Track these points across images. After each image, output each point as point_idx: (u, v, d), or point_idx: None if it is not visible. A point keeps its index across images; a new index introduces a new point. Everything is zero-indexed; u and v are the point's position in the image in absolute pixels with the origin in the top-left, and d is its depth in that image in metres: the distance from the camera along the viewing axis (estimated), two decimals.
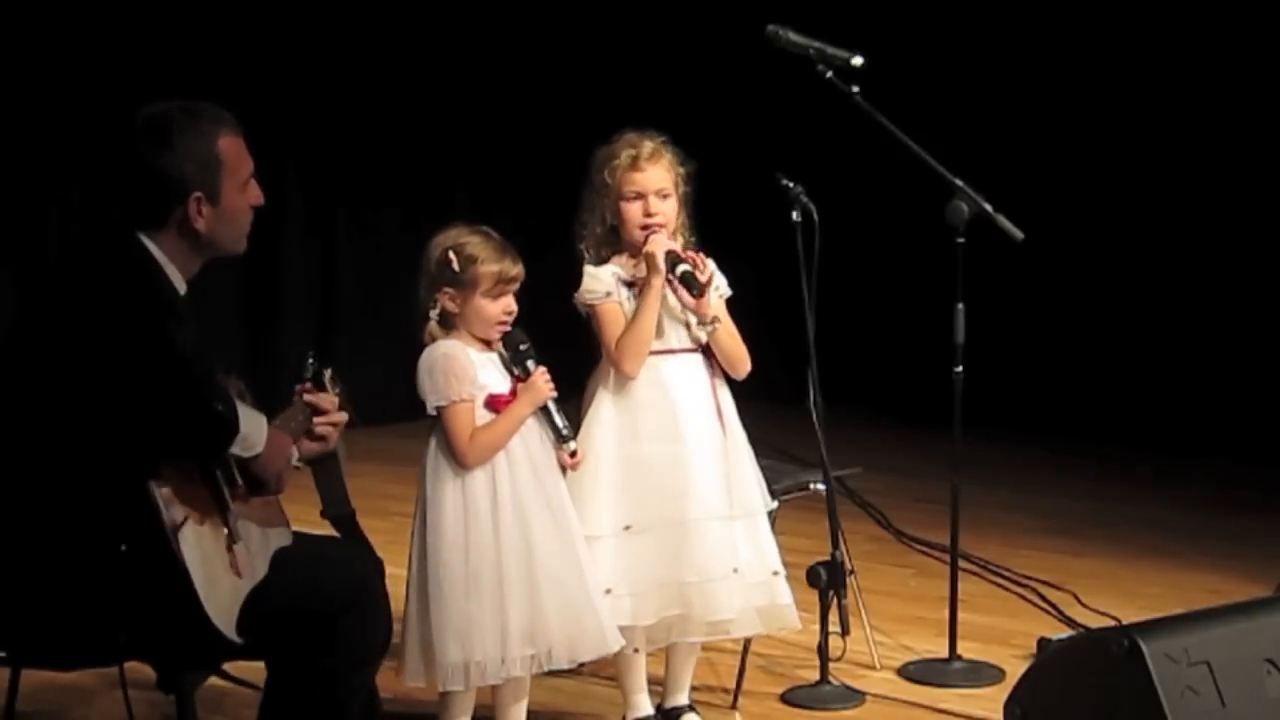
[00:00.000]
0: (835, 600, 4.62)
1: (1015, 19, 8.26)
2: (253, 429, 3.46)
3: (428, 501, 4.15)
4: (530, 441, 4.19)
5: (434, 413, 4.14)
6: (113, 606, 3.34)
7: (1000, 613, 5.62)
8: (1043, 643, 4.94)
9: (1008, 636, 5.32)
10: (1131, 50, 8.07)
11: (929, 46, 8.35)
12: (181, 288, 3.55)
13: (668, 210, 4.38)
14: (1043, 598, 5.72)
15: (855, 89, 4.78)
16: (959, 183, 4.83)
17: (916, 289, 7.10)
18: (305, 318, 8.13)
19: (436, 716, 4.26)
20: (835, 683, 4.81)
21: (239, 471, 3.51)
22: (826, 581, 4.61)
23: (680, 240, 4.41)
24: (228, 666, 3.84)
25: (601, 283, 4.36)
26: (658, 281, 4.31)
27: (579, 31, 8.64)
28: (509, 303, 4.18)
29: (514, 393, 4.18)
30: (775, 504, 4.59)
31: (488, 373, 4.18)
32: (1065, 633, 5.22)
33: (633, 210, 4.36)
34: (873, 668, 5.05)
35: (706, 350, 4.42)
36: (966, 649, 5.08)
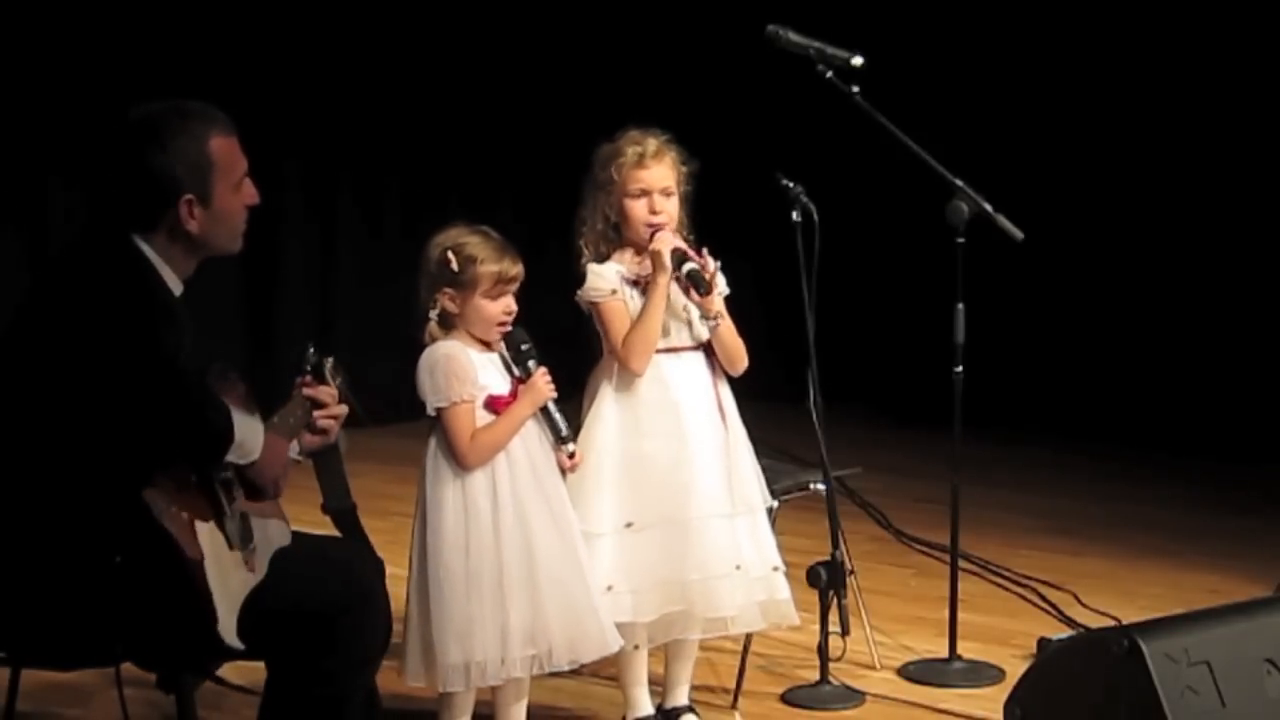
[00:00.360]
0: (835, 600, 4.62)
1: (1015, 19, 8.25)
2: (248, 435, 3.46)
3: (428, 502, 4.15)
4: (530, 442, 4.19)
5: (434, 413, 4.14)
6: (108, 616, 3.34)
7: (1000, 613, 5.62)
8: (1043, 643, 4.94)
9: (1008, 636, 5.32)
10: (1131, 50, 8.07)
11: (929, 46, 8.35)
12: (177, 289, 3.53)
13: (671, 209, 4.38)
14: (1043, 598, 5.72)
15: (855, 89, 4.78)
16: (959, 183, 4.83)
17: (916, 289, 7.09)
18: (305, 317, 8.12)
19: (436, 716, 4.26)
20: (835, 683, 4.81)
21: (237, 478, 3.51)
22: (826, 581, 4.61)
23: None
24: (226, 668, 3.84)
25: (606, 280, 4.36)
26: (664, 279, 4.31)
27: (579, 31, 8.63)
28: (509, 303, 4.18)
29: (514, 393, 4.18)
30: (776, 504, 4.60)
31: (488, 373, 4.18)
32: (1065, 633, 5.22)
33: (637, 208, 4.36)
34: (873, 668, 5.05)
35: (707, 348, 4.42)
36: (966, 649, 5.08)
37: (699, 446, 4.35)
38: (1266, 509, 6.93)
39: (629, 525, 4.30)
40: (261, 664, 3.57)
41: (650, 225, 4.35)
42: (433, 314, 4.17)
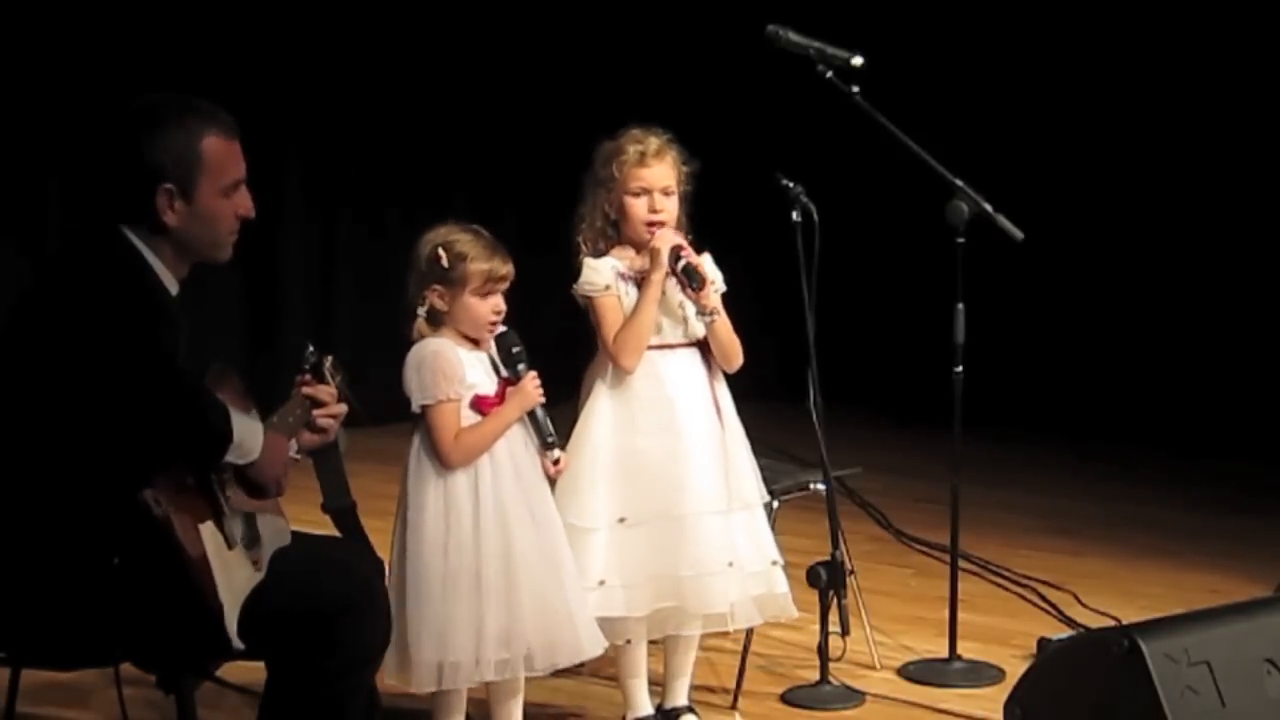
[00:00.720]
0: (835, 600, 4.62)
1: (1015, 19, 8.25)
2: (247, 435, 3.45)
3: (409, 501, 4.14)
4: (515, 446, 4.17)
5: (418, 410, 4.13)
6: (108, 617, 3.34)
7: (1000, 613, 5.62)
8: (1043, 643, 4.94)
9: (1008, 636, 5.32)
10: (1131, 50, 8.07)
11: (929, 46, 8.35)
12: (173, 289, 3.52)
13: (671, 208, 4.38)
14: (1043, 598, 5.72)
15: (855, 89, 4.78)
16: (959, 183, 4.83)
17: (916, 289, 7.09)
18: (305, 316, 8.12)
19: (430, 715, 4.25)
20: (835, 683, 4.81)
21: (237, 478, 3.50)
22: (826, 581, 4.61)
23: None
24: (226, 669, 3.83)
25: (601, 275, 4.36)
26: (658, 277, 4.31)
27: (579, 31, 8.63)
28: (498, 302, 4.16)
29: (501, 395, 4.17)
30: (776, 503, 4.60)
31: (476, 373, 4.16)
32: (1065, 633, 5.22)
33: (637, 206, 4.36)
34: (873, 668, 5.05)
35: (703, 345, 4.42)
36: (966, 649, 5.08)
37: (694, 442, 4.35)
38: (1266, 509, 6.92)
39: (622, 520, 4.30)
40: (261, 664, 3.57)
41: (650, 224, 4.35)
42: (421, 311, 4.16)
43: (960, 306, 4.92)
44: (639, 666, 4.46)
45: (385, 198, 8.27)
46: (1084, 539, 6.53)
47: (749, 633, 4.76)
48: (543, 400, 4.20)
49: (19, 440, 3.37)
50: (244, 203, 3.56)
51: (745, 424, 4.47)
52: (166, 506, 3.29)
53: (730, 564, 4.34)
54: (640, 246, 4.37)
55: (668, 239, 4.33)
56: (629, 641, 4.38)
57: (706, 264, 4.41)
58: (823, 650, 4.76)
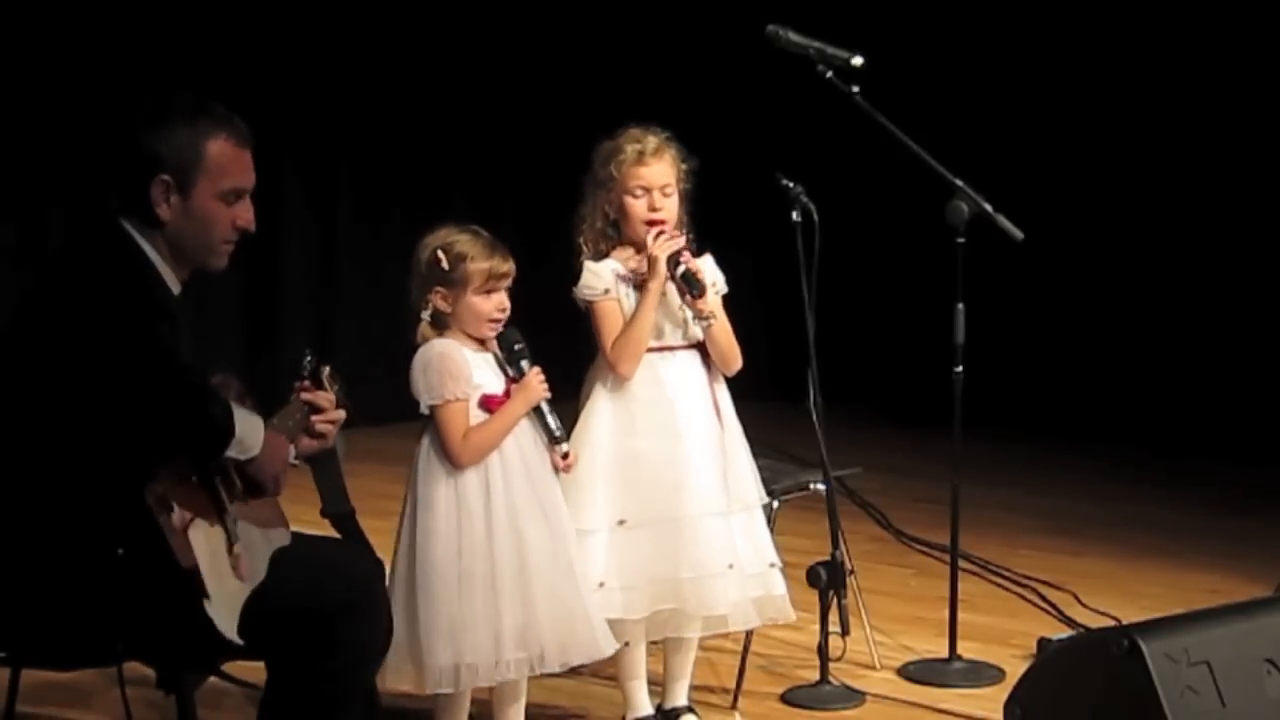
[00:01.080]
0: (835, 600, 4.62)
1: (1015, 19, 8.26)
2: (248, 431, 3.45)
3: (419, 501, 4.13)
4: (524, 442, 4.18)
5: (427, 411, 4.13)
6: (110, 611, 3.33)
7: (1000, 613, 5.62)
8: (1043, 643, 4.94)
9: (1008, 636, 5.32)
10: (1131, 50, 8.07)
11: (929, 46, 8.35)
12: (175, 288, 3.52)
13: (670, 207, 4.38)
14: (1043, 598, 5.72)
15: (855, 89, 4.77)
16: (959, 183, 4.83)
17: (916, 289, 7.10)
18: (305, 317, 8.13)
19: (432, 716, 4.25)
20: (835, 683, 4.81)
21: (237, 474, 3.50)
22: (826, 581, 4.61)
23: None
24: (228, 666, 3.84)
25: (600, 279, 4.36)
26: (656, 285, 4.31)
27: (579, 31, 8.64)
28: (501, 299, 4.17)
29: (508, 393, 4.17)
30: (776, 504, 4.59)
31: (482, 372, 4.16)
32: (1065, 633, 5.22)
33: (637, 206, 4.36)
34: (873, 668, 5.05)
35: (703, 347, 4.42)
36: (966, 649, 5.08)
37: (693, 444, 4.35)
38: (1266, 509, 6.93)
39: (621, 523, 4.30)
40: (262, 663, 3.57)
41: (650, 223, 4.35)
42: (425, 314, 4.16)
43: (960, 306, 4.92)
44: (638, 668, 4.46)
45: (385, 199, 8.28)
46: (1084, 539, 6.53)
47: (749, 633, 4.75)
48: (548, 395, 4.20)
49: (22, 435, 3.37)
50: (245, 214, 3.54)
51: (745, 424, 4.47)
52: (166, 508, 3.28)
53: (730, 566, 4.34)
54: (641, 246, 4.36)
55: (666, 247, 4.33)
56: (628, 643, 4.38)
57: (707, 265, 4.41)
58: (823, 650, 4.76)
